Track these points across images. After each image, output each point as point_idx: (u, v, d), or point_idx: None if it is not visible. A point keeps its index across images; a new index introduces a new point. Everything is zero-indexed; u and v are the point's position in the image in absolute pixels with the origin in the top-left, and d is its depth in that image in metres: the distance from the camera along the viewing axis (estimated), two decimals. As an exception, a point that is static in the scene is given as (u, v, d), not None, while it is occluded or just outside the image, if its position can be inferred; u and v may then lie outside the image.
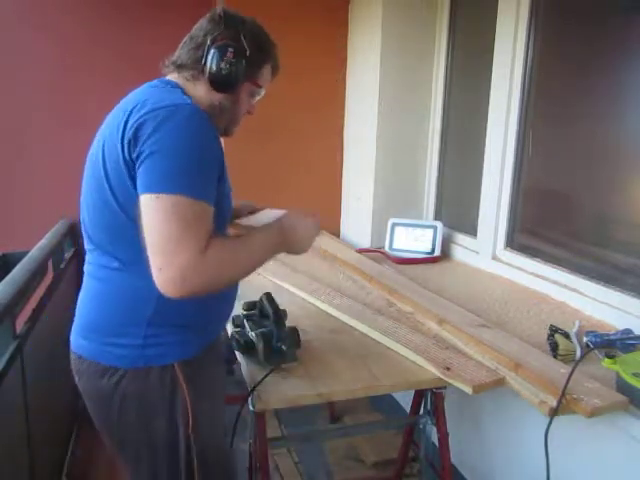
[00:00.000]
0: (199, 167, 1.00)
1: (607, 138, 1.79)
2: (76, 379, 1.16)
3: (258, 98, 1.25)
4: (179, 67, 1.16)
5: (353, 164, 2.85)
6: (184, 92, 1.13)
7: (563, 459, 1.40)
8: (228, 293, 1.22)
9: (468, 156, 2.43)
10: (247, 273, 1.11)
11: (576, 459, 1.52)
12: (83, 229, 1.14)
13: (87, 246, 1.15)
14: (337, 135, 2.90)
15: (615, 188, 1.78)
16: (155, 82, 1.16)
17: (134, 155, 0.99)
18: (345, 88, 2.86)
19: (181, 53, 1.17)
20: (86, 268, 1.16)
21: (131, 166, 1.00)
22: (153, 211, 0.96)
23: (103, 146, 1.06)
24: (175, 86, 1.14)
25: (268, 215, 1.45)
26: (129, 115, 1.01)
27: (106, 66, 2.60)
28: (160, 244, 0.96)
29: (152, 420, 1.11)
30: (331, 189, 2.94)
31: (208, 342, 1.19)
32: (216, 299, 1.14)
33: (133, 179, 1.01)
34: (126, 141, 1.00)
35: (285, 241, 1.19)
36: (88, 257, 1.15)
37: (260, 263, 1.13)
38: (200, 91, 1.15)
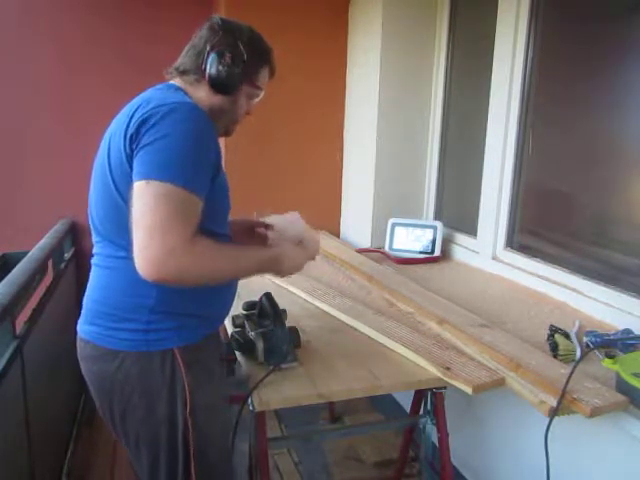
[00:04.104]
0: (193, 160, 1.05)
1: (607, 138, 1.79)
2: (81, 365, 1.21)
3: (257, 100, 1.31)
4: (182, 73, 1.23)
5: (353, 164, 2.85)
6: (186, 94, 1.19)
7: (563, 459, 1.40)
8: (229, 285, 1.27)
9: (468, 156, 2.43)
10: (222, 280, 1.17)
11: (576, 459, 1.52)
12: (91, 222, 1.20)
13: (95, 239, 1.20)
14: (337, 135, 2.90)
15: (615, 188, 1.78)
16: (160, 86, 1.22)
17: (134, 147, 1.04)
18: (345, 88, 2.86)
19: (184, 60, 1.24)
20: (93, 260, 1.21)
21: (131, 160, 1.05)
22: (144, 196, 1.00)
23: (109, 144, 1.12)
24: (177, 89, 1.20)
25: (286, 221, 1.48)
26: (134, 113, 1.07)
27: (106, 67, 2.60)
28: (147, 226, 0.99)
29: (153, 402, 1.15)
30: (331, 189, 2.94)
31: (208, 331, 1.23)
32: (217, 290, 1.20)
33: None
34: (129, 136, 1.05)
35: (272, 268, 1.26)
36: (95, 249, 1.20)
37: (239, 276, 1.23)
38: (201, 94, 1.21)
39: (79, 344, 1.21)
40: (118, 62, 2.60)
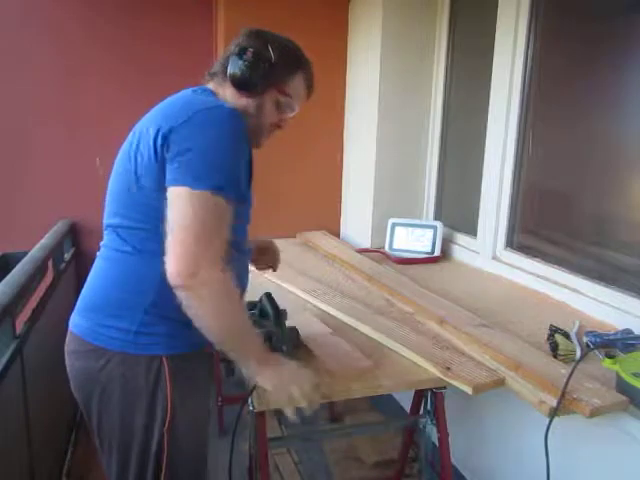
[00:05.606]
0: (234, 168, 1.06)
1: (607, 138, 1.79)
2: (66, 358, 1.19)
3: (291, 114, 1.28)
4: (212, 75, 1.24)
5: (353, 164, 2.85)
6: (218, 98, 1.19)
7: (563, 459, 1.40)
8: None
9: (468, 156, 2.43)
10: (219, 324, 1.08)
11: (576, 459, 1.52)
12: (105, 213, 1.19)
13: (104, 230, 1.19)
14: (337, 135, 2.90)
15: (615, 188, 1.78)
16: (194, 88, 1.21)
17: (169, 151, 1.04)
18: (345, 87, 2.86)
19: (216, 63, 1.25)
20: (99, 252, 1.20)
21: (162, 161, 1.05)
22: (192, 204, 1.01)
23: (138, 143, 1.11)
24: (210, 92, 1.21)
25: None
26: (169, 113, 1.08)
27: (107, 68, 2.60)
28: (193, 232, 1.00)
29: (131, 408, 1.12)
30: (331, 189, 2.94)
31: (201, 343, 1.18)
32: None
33: (164, 172, 1.05)
34: (161, 136, 1.05)
35: (259, 362, 1.13)
36: (104, 240, 1.19)
37: (233, 334, 1.10)
38: (227, 95, 1.20)
39: (67, 337, 1.19)
40: (118, 62, 2.60)
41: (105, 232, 1.19)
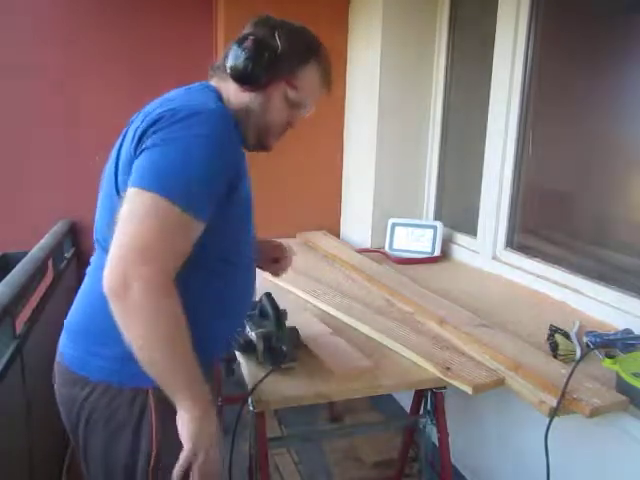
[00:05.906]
0: (202, 176, 0.92)
1: (607, 138, 1.79)
2: (55, 381, 1.12)
3: (304, 112, 1.13)
4: (214, 69, 1.12)
5: (353, 164, 2.85)
6: (220, 96, 1.07)
7: (563, 459, 1.40)
8: (226, 325, 1.14)
9: (468, 156, 2.43)
10: (153, 348, 0.89)
11: (576, 459, 1.52)
12: (95, 223, 1.09)
13: (95, 243, 1.10)
14: (337, 135, 2.90)
15: (615, 188, 1.78)
16: (195, 84, 1.10)
17: (139, 148, 0.94)
18: (345, 87, 2.86)
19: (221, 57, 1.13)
20: (89, 267, 1.12)
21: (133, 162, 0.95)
22: (145, 207, 0.88)
23: (121, 144, 1.02)
24: (211, 90, 1.08)
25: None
26: (152, 111, 0.97)
27: (107, 70, 2.60)
28: (139, 242, 0.87)
29: (115, 439, 1.04)
30: (331, 189, 2.94)
31: None
32: (214, 326, 1.07)
33: None
34: (137, 136, 0.94)
35: (196, 414, 0.94)
36: (93, 257, 1.11)
37: (165, 367, 0.91)
38: (231, 91, 1.08)
39: (56, 357, 1.11)
40: (118, 64, 2.60)
41: (95, 246, 1.08)
